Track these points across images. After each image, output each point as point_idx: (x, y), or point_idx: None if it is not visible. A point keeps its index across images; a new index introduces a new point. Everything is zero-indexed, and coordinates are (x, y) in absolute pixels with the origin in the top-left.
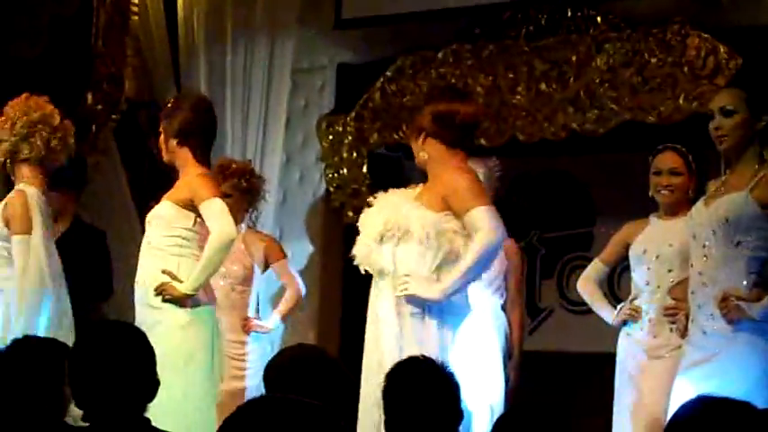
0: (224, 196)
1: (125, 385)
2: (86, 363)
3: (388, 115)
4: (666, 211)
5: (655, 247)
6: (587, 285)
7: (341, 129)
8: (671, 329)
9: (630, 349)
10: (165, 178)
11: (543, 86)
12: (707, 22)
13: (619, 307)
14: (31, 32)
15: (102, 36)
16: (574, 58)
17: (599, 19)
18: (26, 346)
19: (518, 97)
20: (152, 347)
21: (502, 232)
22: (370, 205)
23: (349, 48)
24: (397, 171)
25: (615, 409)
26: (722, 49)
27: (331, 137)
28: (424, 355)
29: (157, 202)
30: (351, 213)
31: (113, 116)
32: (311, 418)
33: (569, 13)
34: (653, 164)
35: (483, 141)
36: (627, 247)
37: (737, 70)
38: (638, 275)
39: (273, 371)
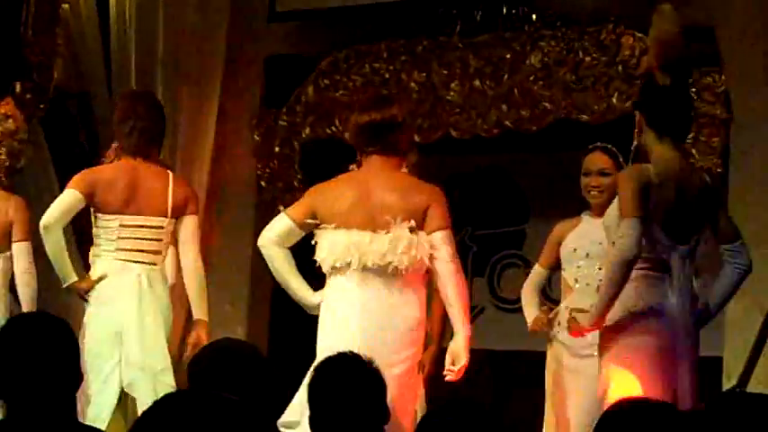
0: None
1: (47, 377)
2: (8, 354)
3: (321, 109)
4: (597, 211)
5: (585, 245)
6: (526, 292)
7: (273, 122)
8: None
9: (558, 350)
10: None
11: (477, 83)
12: (641, 22)
13: (535, 317)
14: None
15: (32, 25)
16: (508, 56)
17: (534, 16)
18: None
19: (452, 93)
20: (75, 339)
21: None
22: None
23: (282, 41)
24: (330, 166)
25: (546, 408)
26: None
27: (263, 130)
28: (351, 352)
29: None
30: (282, 207)
31: (41, 105)
32: (226, 412)
33: (504, 10)
34: (583, 164)
35: (417, 137)
36: (559, 243)
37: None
38: (569, 274)
39: (198, 365)
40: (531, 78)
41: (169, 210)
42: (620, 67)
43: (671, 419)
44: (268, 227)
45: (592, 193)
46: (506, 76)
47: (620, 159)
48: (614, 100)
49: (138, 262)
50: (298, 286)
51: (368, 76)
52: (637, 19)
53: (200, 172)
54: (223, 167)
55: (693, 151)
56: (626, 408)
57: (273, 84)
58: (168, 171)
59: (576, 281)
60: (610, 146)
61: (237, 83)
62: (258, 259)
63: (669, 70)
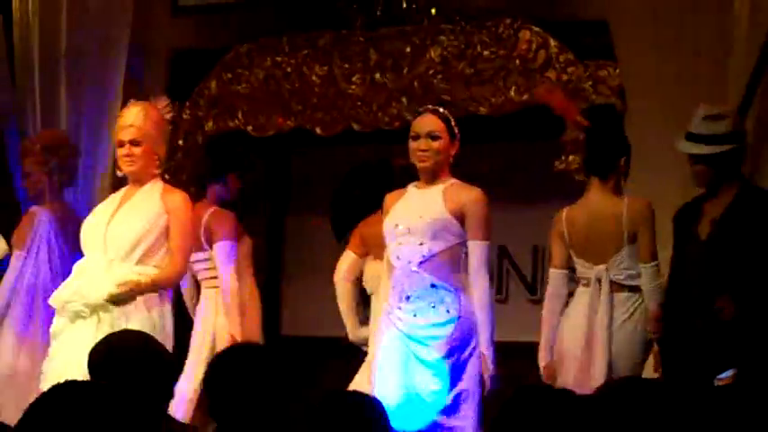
0: None
1: None
2: None
3: (224, 103)
4: (425, 179)
5: (406, 219)
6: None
7: (177, 116)
8: (432, 305)
9: (392, 332)
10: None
11: (378, 76)
12: (539, 17)
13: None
14: None
15: None
16: (408, 50)
17: (433, 10)
18: None
19: (353, 87)
20: None
21: None
22: None
23: (186, 35)
24: (235, 159)
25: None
26: (553, 43)
27: None
28: (249, 342)
29: None
30: None
31: None
32: (112, 402)
33: (404, 4)
34: (411, 128)
35: (318, 130)
36: None
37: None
38: (391, 250)
39: (95, 357)
40: (431, 72)
41: (203, 244)
42: (517, 61)
43: (567, 405)
44: (339, 266)
45: (420, 156)
46: (406, 70)
47: (453, 124)
48: (512, 93)
49: (207, 287)
50: (350, 324)
51: (270, 70)
52: (534, 13)
53: (104, 165)
54: None
55: None
56: (526, 395)
57: (178, 77)
58: (209, 208)
59: (399, 258)
60: (441, 109)
61: (141, 76)
62: None
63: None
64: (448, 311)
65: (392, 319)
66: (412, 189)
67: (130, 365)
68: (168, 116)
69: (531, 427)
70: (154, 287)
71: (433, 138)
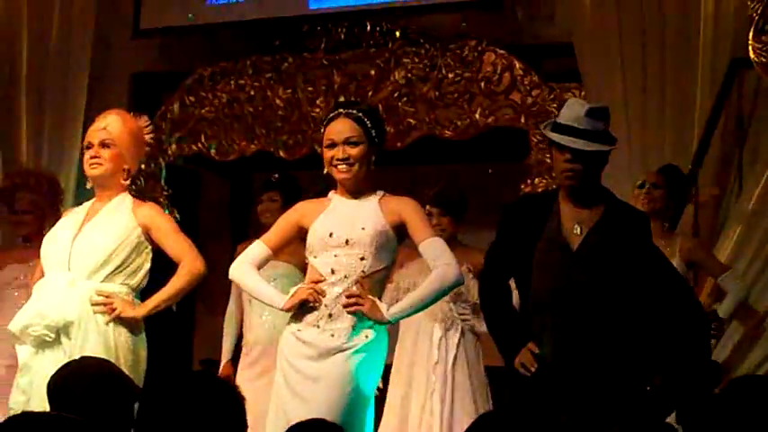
0: None
1: None
2: None
3: (187, 126)
4: (348, 191)
5: (344, 229)
6: (243, 267)
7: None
8: (353, 327)
9: (298, 351)
10: None
11: (342, 100)
12: (503, 39)
13: (296, 287)
14: None
15: None
16: (372, 72)
17: (397, 33)
18: None
19: (317, 110)
20: None
21: None
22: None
23: (147, 58)
24: (195, 183)
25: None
26: (518, 66)
27: None
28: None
29: None
30: None
31: None
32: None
33: (368, 28)
34: (325, 135)
35: (282, 154)
36: (299, 228)
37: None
38: (322, 262)
39: (55, 385)
40: (396, 95)
41: None
42: (482, 84)
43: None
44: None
45: (339, 167)
46: (371, 93)
47: (369, 126)
48: (477, 115)
49: None
50: None
51: (233, 93)
52: (498, 36)
53: (66, 189)
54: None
55: None
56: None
57: (140, 101)
58: None
59: (333, 272)
60: (355, 111)
61: (103, 100)
62: None
63: None
64: (366, 336)
65: (300, 339)
66: (336, 197)
67: (89, 394)
68: (148, 137)
69: None
70: (182, 291)
71: (352, 144)
